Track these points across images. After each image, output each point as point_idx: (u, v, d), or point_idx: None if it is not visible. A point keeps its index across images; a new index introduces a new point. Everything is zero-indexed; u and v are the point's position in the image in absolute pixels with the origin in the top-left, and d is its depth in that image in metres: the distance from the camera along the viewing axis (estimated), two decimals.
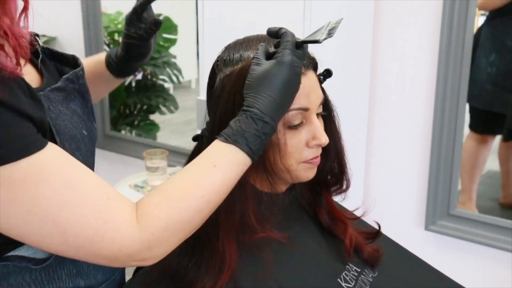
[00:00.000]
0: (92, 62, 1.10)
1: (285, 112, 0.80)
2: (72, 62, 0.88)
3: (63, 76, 0.81)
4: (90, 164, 0.83)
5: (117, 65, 1.09)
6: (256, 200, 0.87)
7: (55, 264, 0.81)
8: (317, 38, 0.80)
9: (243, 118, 0.77)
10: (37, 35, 0.86)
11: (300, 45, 0.81)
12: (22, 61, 0.70)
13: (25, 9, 0.75)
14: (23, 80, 0.70)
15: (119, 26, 3.24)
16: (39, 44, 0.84)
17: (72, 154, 0.74)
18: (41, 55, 0.83)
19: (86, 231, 0.69)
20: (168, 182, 0.77)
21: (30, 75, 0.79)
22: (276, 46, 0.82)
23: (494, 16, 2.11)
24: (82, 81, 0.85)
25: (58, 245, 0.70)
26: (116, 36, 3.22)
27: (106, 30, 3.14)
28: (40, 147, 0.67)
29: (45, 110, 0.72)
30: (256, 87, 0.78)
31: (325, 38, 0.80)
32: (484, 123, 2.30)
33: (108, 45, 3.13)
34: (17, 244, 0.77)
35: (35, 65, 0.82)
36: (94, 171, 0.90)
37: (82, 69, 0.86)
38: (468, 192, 2.25)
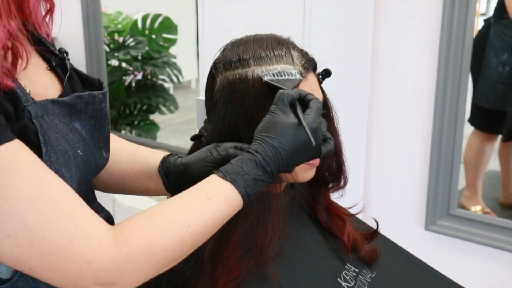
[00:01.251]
0: (146, 166, 0.96)
1: (284, 171, 0.79)
2: (96, 85, 0.84)
3: (76, 93, 0.77)
4: (79, 184, 0.76)
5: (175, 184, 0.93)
6: (257, 198, 0.87)
7: (18, 282, 0.73)
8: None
9: (246, 160, 0.75)
10: (67, 53, 0.83)
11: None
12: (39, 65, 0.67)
13: (51, 11, 0.74)
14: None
15: (119, 26, 3.24)
16: (68, 60, 0.82)
17: (59, 168, 0.70)
18: (69, 72, 0.80)
19: (54, 234, 0.63)
20: (154, 207, 0.73)
21: (52, 87, 0.77)
22: (300, 101, 0.80)
23: (504, 15, 2.10)
24: (100, 106, 0.80)
25: (22, 248, 0.62)
26: (116, 36, 3.23)
27: (106, 30, 3.14)
28: (9, 139, 0.63)
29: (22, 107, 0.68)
30: (271, 135, 0.76)
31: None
32: (490, 122, 2.29)
33: (108, 45, 3.13)
34: None
35: (60, 80, 0.80)
36: (89, 196, 0.85)
37: (104, 94, 0.81)
38: (473, 187, 2.26)
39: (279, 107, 0.77)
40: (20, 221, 0.62)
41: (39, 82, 0.75)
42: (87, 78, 0.85)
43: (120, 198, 2.27)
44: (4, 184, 0.61)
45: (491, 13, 2.26)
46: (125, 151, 0.97)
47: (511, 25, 2.09)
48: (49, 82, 0.78)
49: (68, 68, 0.81)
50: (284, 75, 0.83)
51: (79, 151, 0.75)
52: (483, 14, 2.33)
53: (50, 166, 0.69)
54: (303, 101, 0.79)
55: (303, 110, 0.78)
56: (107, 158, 0.84)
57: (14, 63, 0.68)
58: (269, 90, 0.81)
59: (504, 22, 2.10)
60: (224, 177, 0.74)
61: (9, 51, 0.67)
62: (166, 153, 0.95)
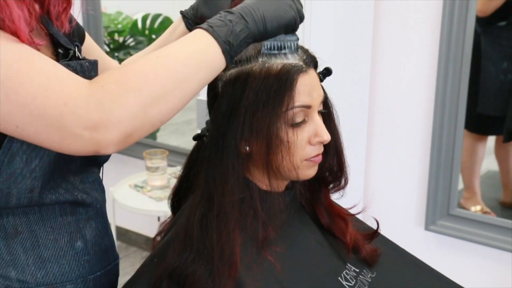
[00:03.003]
0: (169, 31, 1.06)
1: (268, 26, 0.78)
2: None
3: (62, 61, 0.79)
4: None
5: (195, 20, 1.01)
6: (259, 197, 0.87)
7: None
8: None
9: (223, 13, 0.77)
10: (78, 45, 0.85)
11: None
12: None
13: (67, 10, 0.76)
14: None
15: (119, 26, 3.24)
16: (79, 51, 0.84)
17: None
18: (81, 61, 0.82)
19: (27, 85, 0.65)
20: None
21: None
22: None
23: (492, 23, 2.09)
24: (89, 74, 0.80)
25: (1, 104, 0.65)
26: (116, 36, 3.23)
27: (106, 30, 3.14)
28: None
29: None
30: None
31: None
32: (483, 125, 2.30)
33: (108, 45, 3.13)
34: None
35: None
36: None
37: (91, 62, 0.81)
38: (471, 188, 2.26)
39: None
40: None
41: None
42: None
43: (120, 198, 2.27)
44: None
45: None
46: None
47: (504, 33, 2.08)
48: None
49: (80, 58, 0.82)
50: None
51: None
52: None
53: None
54: None
55: None
56: None
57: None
58: (272, 86, 0.82)
59: (494, 31, 2.10)
60: (201, 28, 0.76)
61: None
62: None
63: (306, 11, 1.67)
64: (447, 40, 1.84)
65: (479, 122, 2.27)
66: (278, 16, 0.79)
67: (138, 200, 2.25)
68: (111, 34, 3.21)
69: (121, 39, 3.22)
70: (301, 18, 0.83)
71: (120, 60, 3.16)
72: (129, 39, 3.20)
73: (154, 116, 0.69)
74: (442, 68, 1.87)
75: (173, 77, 0.71)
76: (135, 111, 0.67)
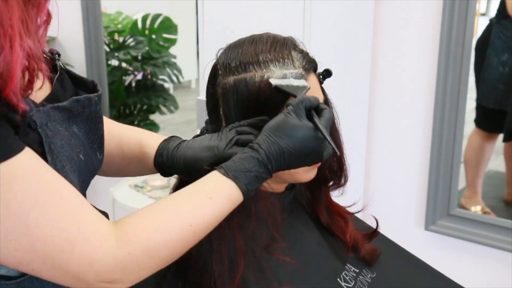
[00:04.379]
0: (138, 146, 0.94)
1: (284, 169, 0.79)
2: (90, 87, 0.83)
3: (73, 97, 0.76)
4: (83, 189, 0.77)
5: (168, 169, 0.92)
6: (259, 198, 0.87)
7: (24, 282, 0.73)
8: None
9: (249, 157, 0.76)
10: (59, 54, 0.83)
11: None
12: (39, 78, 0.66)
13: (47, 23, 0.72)
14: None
15: (119, 26, 3.24)
16: (59, 61, 0.82)
17: (66, 176, 0.70)
18: (58, 72, 0.80)
19: (56, 236, 0.63)
20: (155, 204, 0.73)
21: (39, 89, 0.76)
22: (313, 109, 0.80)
23: (505, 15, 2.11)
24: (95, 108, 0.80)
25: (24, 252, 0.63)
26: (116, 36, 3.23)
27: (106, 30, 3.14)
28: (16, 151, 0.63)
29: (36, 124, 0.68)
30: (280, 134, 0.77)
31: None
32: (492, 121, 2.30)
33: (108, 45, 3.13)
34: None
35: (50, 80, 0.79)
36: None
37: (99, 96, 0.81)
38: (473, 187, 2.26)
39: (296, 109, 0.78)
40: (23, 225, 0.62)
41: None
42: (80, 79, 0.84)
43: (120, 198, 2.27)
44: (9, 191, 0.61)
45: (491, 13, 2.27)
46: (114, 146, 0.96)
47: (510, 26, 2.09)
48: (38, 83, 0.76)
49: (58, 68, 0.80)
50: (290, 77, 0.83)
51: (81, 155, 0.75)
52: (483, 14, 2.33)
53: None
54: (316, 109, 0.80)
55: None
56: (101, 160, 0.84)
57: (31, 82, 0.67)
58: (270, 93, 0.82)
59: (504, 22, 2.11)
60: (226, 174, 0.75)
61: (26, 70, 0.66)
62: (150, 144, 0.93)
63: (306, 11, 1.67)
64: (447, 40, 1.84)
65: (482, 116, 2.28)
66: (301, 164, 0.80)
67: (138, 200, 2.25)
68: (111, 34, 3.21)
69: (121, 39, 3.21)
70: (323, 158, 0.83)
71: (120, 60, 3.16)
72: (129, 39, 3.20)
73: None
74: (442, 69, 1.87)
75: (197, 241, 0.73)
76: (151, 271, 0.70)
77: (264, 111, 0.82)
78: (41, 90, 0.75)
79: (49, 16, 0.73)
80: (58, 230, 0.63)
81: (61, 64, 0.82)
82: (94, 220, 0.67)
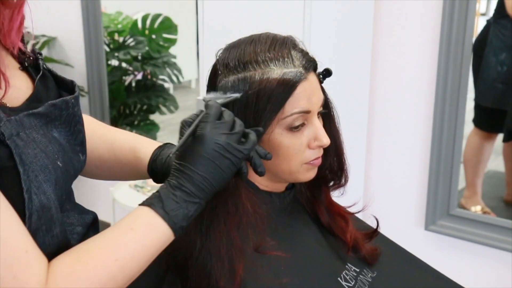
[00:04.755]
0: (131, 151, 0.95)
1: (217, 187, 0.76)
2: (70, 87, 0.83)
3: (49, 102, 0.75)
4: (59, 197, 0.76)
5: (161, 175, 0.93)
6: (260, 198, 0.87)
7: None
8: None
9: (163, 186, 0.75)
10: (41, 54, 0.83)
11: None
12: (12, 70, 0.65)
13: (20, 24, 0.71)
14: None
15: (119, 26, 3.24)
16: (42, 60, 0.81)
17: (39, 186, 0.70)
18: (41, 72, 0.79)
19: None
20: (84, 243, 0.72)
21: (24, 88, 0.76)
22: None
23: (503, 15, 2.12)
24: (73, 110, 0.79)
25: None
26: (116, 36, 3.23)
27: (106, 30, 3.14)
28: None
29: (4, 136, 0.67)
30: (185, 163, 0.75)
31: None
32: (491, 121, 2.30)
33: (108, 45, 3.13)
34: None
35: (33, 80, 0.79)
36: (70, 200, 0.84)
37: (76, 98, 0.81)
38: (472, 187, 2.26)
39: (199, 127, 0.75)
40: None
41: (11, 84, 0.73)
42: (61, 79, 0.83)
43: (120, 198, 2.27)
44: None
45: (491, 13, 2.27)
46: (106, 151, 0.95)
47: (509, 25, 2.10)
48: (21, 83, 0.77)
49: (41, 68, 0.80)
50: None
51: (59, 162, 0.74)
52: (483, 14, 2.34)
53: (30, 185, 0.68)
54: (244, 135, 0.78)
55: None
56: (84, 161, 0.84)
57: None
58: (271, 92, 0.82)
59: (502, 22, 2.12)
60: (143, 203, 0.74)
61: None
62: (144, 148, 0.93)
63: (306, 11, 1.67)
64: (447, 40, 1.84)
65: (481, 116, 2.28)
66: (223, 179, 0.76)
67: (138, 200, 2.24)
68: (111, 34, 3.21)
69: (121, 39, 3.21)
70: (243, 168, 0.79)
71: (120, 60, 3.17)
72: (129, 39, 3.20)
73: None
74: (442, 69, 1.87)
75: (128, 277, 0.71)
76: None
77: (265, 110, 0.82)
78: (22, 91, 0.74)
79: (23, 18, 0.72)
80: None
81: (44, 64, 0.82)
82: (32, 264, 0.66)
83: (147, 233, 0.72)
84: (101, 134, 0.95)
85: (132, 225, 0.72)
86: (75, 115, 0.80)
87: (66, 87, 0.83)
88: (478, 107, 2.25)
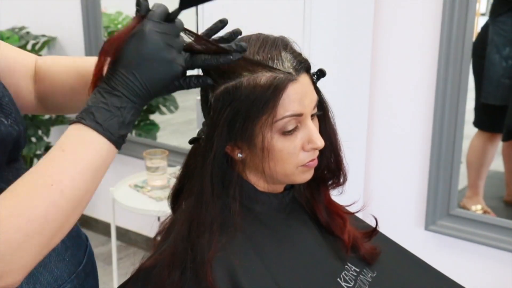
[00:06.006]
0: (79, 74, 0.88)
1: (153, 92, 0.71)
2: None
3: None
4: None
5: None
6: (257, 199, 0.87)
7: None
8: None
9: (92, 94, 0.69)
10: None
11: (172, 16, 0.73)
12: None
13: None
14: None
15: (119, 26, 3.24)
16: None
17: None
18: None
19: None
20: (18, 179, 0.65)
21: None
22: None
23: (500, 12, 2.13)
24: None
25: None
26: None
27: (106, 30, 3.14)
28: None
29: None
30: (119, 58, 0.69)
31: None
32: (496, 120, 2.30)
33: None
34: None
35: None
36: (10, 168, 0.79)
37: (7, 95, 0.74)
38: (474, 188, 2.27)
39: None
40: None
41: None
42: None
43: (120, 198, 2.27)
44: None
45: None
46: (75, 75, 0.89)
47: (509, 20, 2.11)
48: None
49: None
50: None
51: None
52: (483, 14, 2.34)
53: None
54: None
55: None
56: (11, 125, 0.76)
57: None
58: (260, 96, 0.81)
59: (501, 19, 2.13)
60: (73, 121, 0.68)
61: None
62: None
63: (306, 11, 1.67)
64: (447, 40, 1.84)
65: (485, 117, 2.28)
66: (161, 82, 0.71)
67: (138, 200, 2.25)
68: (111, 34, 3.21)
69: None
70: (184, 68, 0.75)
71: None
72: None
73: (59, 239, 0.66)
74: (442, 69, 1.87)
75: (74, 201, 0.65)
76: (39, 250, 0.63)
77: (255, 115, 0.81)
78: None
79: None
80: None
81: None
82: None
83: (80, 150, 0.66)
84: (64, 66, 0.90)
85: (63, 146, 0.66)
86: None
87: None
88: (481, 106, 2.25)
